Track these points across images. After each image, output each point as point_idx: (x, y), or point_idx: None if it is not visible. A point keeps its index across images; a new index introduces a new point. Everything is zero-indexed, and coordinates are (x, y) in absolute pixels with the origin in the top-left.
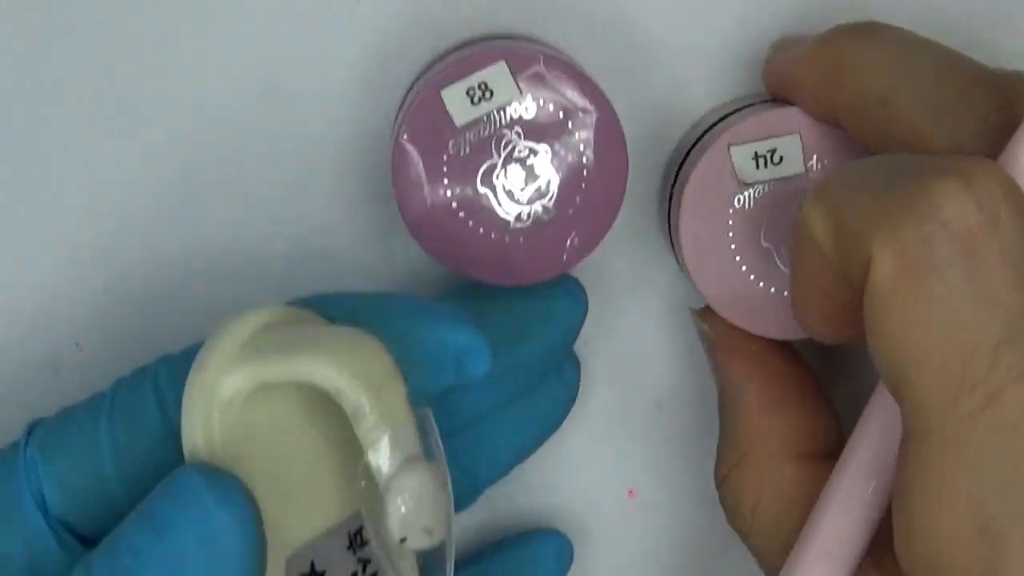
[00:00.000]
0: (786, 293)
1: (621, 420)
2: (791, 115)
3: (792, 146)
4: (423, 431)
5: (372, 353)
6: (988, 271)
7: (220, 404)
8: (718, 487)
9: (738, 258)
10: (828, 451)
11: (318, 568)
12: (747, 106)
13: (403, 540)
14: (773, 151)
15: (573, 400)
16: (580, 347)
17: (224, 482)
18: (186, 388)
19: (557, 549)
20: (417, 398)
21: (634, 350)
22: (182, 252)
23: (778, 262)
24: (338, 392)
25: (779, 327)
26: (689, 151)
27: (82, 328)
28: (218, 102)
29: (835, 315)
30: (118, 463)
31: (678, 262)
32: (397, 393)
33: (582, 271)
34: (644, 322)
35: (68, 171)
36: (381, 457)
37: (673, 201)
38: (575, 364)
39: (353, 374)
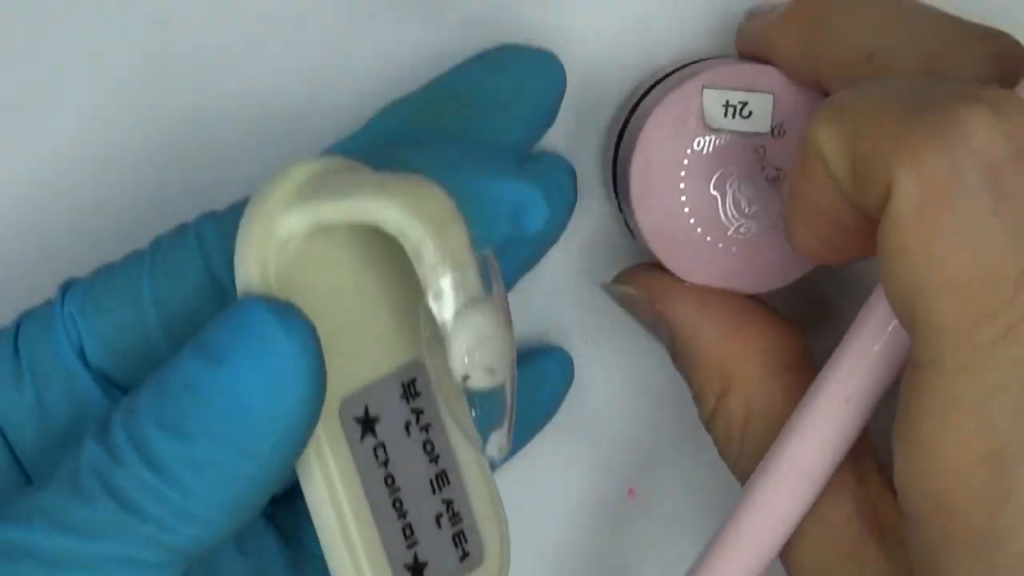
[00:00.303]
0: (720, 245)
1: (621, 420)
2: (770, 74)
3: (764, 104)
4: (485, 274)
5: (433, 194)
6: (1016, 202)
7: (277, 243)
8: (708, 429)
9: (683, 199)
10: (801, 363)
11: (372, 413)
12: (715, 58)
13: (466, 379)
14: (745, 104)
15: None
16: (580, 347)
17: (289, 312)
18: (241, 226)
19: (562, 365)
20: (477, 244)
21: (634, 349)
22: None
23: (721, 213)
24: (400, 231)
25: (711, 275)
26: (648, 90)
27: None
28: None
29: (832, 237)
30: (162, 316)
31: (618, 200)
32: (459, 234)
33: (583, 271)
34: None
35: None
36: (444, 296)
37: (626, 135)
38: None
39: (415, 214)
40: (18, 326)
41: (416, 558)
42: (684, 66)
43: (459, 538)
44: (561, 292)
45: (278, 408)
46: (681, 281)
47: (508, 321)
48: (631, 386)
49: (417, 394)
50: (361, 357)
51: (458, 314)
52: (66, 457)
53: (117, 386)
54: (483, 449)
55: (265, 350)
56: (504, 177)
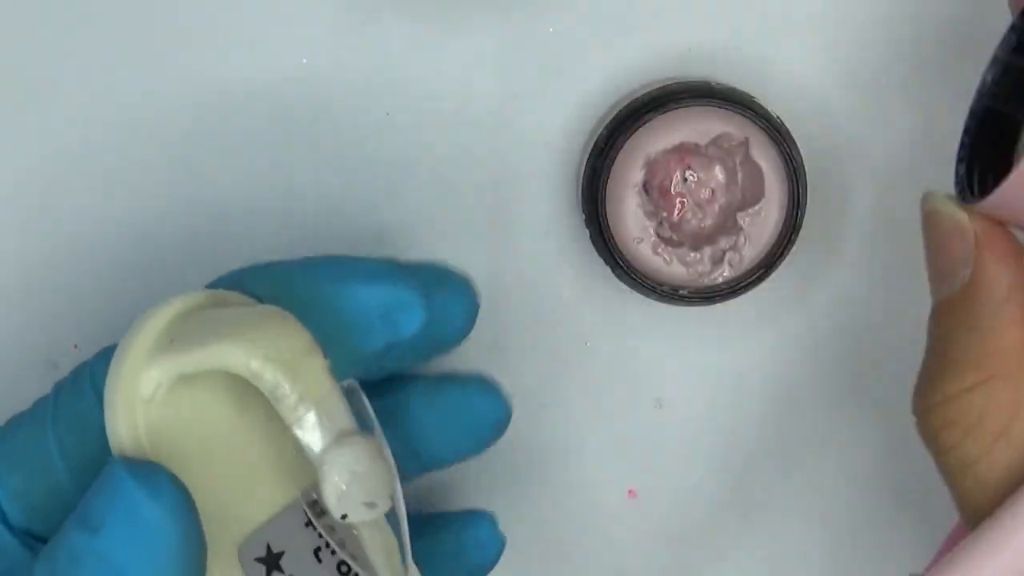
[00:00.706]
0: None
1: (621, 420)
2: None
3: None
4: (352, 403)
5: (284, 329)
6: None
7: (141, 401)
8: (928, 410)
9: None
10: None
11: (275, 549)
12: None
13: (344, 517)
14: None
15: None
16: (580, 347)
17: (151, 473)
18: (105, 389)
19: (489, 530)
20: (343, 369)
21: (634, 350)
22: (177, 250)
23: None
24: (254, 376)
25: None
26: (622, 115)
27: (79, 331)
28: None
29: None
30: (69, 466)
31: (585, 216)
32: (316, 367)
33: (584, 271)
34: (644, 322)
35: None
36: (308, 435)
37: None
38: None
39: (264, 355)
40: (53, 407)
41: None
42: (656, 89)
43: None
44: (561, 293)
45: (152, 572)
46: (1013, 240)
47: (380, 450)
48: (632, 386)
49: (324, 512)
50: (252, 497)
51: (326, 451)
52: None
53: (38, 538)
54: None
55: (131, 514)
56: (373, 280)
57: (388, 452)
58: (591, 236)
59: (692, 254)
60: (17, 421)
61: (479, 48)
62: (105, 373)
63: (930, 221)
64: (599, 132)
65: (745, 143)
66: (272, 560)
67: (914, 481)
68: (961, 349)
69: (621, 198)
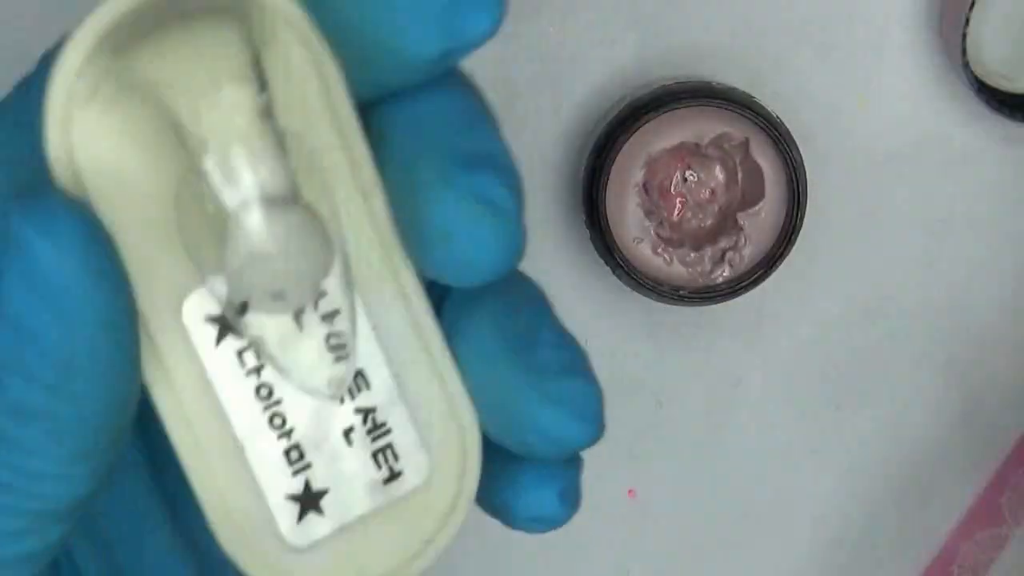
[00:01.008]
0: None
1: (621, 420)
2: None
3: None
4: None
5: (205, 48)
6: None
7: (78, 107)
8: None
9: None
10: None
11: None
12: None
13: (243, 307)
14: None
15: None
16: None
17: (44, 208)
18: (47, 87)
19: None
20: (374, 77)
21: (634, 350)
22: None
23: None
24: (156, 102)
25: None
26: (620, 116)
27: None
28: None
29: None
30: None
31: (585, 214)
32: (236, 100)
33: (584, 271)
34: (644, 322)
35: None
36: (211, 187)
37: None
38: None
39: (167, 81)
40: None
41: (308, 485)
42: (656, 89)
43: (382, 455)
44: (561, 293)
45: (55, 330)
46: None
47: (317, 231)
48: (631, 386)
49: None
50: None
51: (230, 215)
52: None
53: None
54: (316, 390)
55: (25, 263)
56: None
57: (321, 227)
58: (591, 236)
59: (692, 254)
60: None
61: (479, 48)
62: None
63: None
64: (599, 132)
65: (745, 143)
66: (227, 323)
67: (914, 481)
68: None
69: (621, 198)
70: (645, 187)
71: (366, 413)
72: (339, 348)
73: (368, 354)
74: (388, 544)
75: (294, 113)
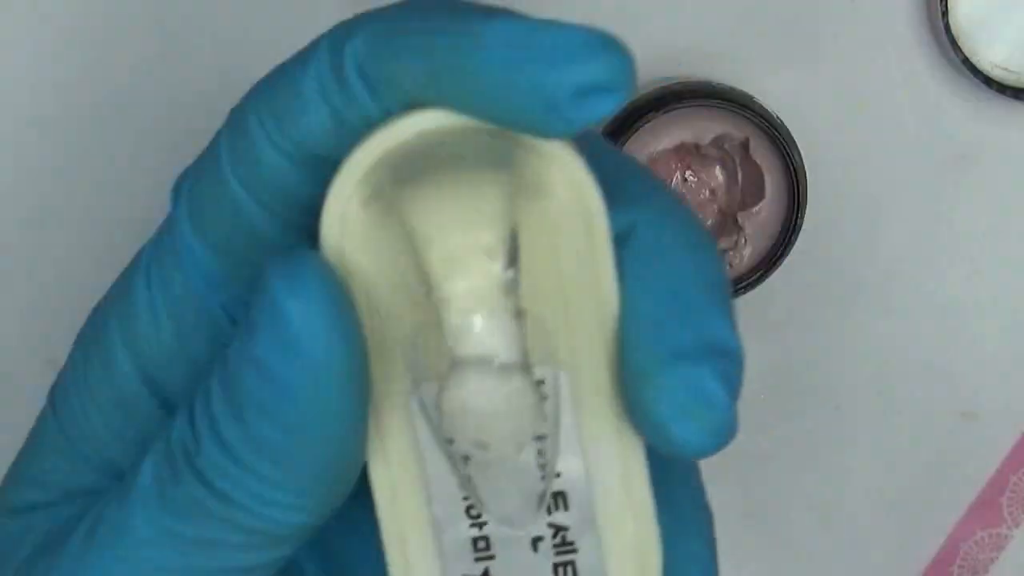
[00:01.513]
0: None
1: None
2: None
3: None
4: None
5: (465, 211)
6: None
7: (355, 204)
8: None
9: None
10: None
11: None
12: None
13: (451, 441)
14: None
15: None
16: None
17: (297, 269)
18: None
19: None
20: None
21: None
22: None
23: None
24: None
25: None
26: (620, 118)
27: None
28: None
29: None
30: (262, 214)
31: None
32: (486, 276)
33: None
34: None
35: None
36: (448, 337)
37: None
38: None
39: (424, 230)
40: (150, 257)
41: (486, 573)
42: (656, 89)
43: (563, 569)
44: None
45: (297, 378)
46: None
47: (528, 394)
48: None
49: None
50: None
51: (453, 366)
52: (168, 426)
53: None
54: (494, 516)
55: (275, 311)
56: (565, 56)
57: (535, 399)
58: None
59: None
60: (194, 176)
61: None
62: (274, 113)
63: None
64: (599, 132)
65: (745, 143)
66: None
67: (914, 481)
68: None
69: None
70: None
71: (558, 530)
72: (543, 468)
73: (575, 483)
74: None
75: (555, 259)
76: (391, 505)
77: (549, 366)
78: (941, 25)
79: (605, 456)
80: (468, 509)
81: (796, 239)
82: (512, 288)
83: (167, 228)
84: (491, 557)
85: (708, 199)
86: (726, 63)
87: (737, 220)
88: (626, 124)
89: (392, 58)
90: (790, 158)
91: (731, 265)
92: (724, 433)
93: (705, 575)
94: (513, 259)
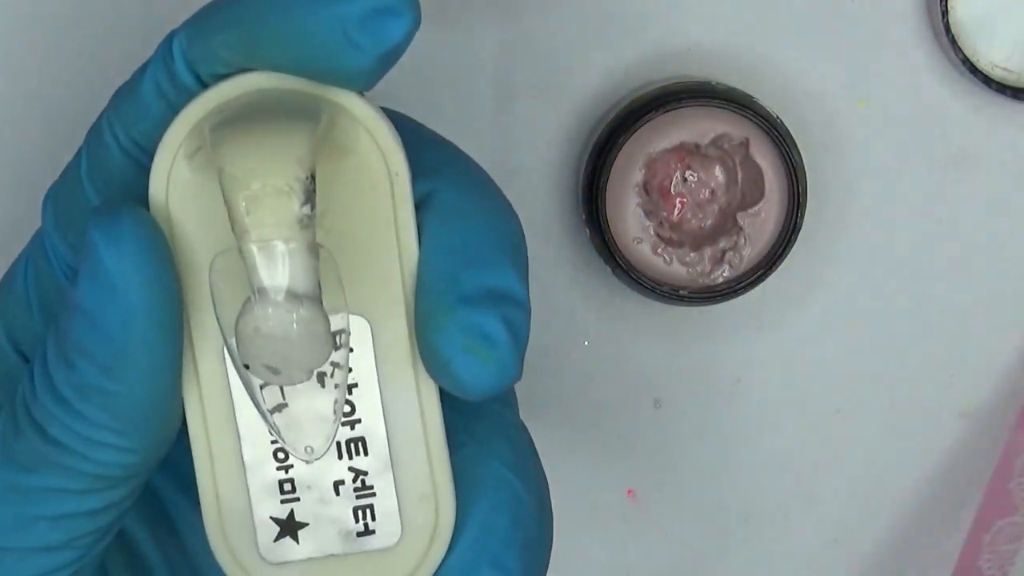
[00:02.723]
0: None
1: (621, 420)
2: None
3: None
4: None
5: (269, 152)
6: None
7: (181, 157)
8: None
9: None
10: None
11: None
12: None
13: (246, 366)
14: None
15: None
16: (580, 347)
17: (113, 217)
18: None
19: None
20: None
21: (634, 350)
22: None
23: None
24: (220, 181)
25: None
26: (620, 116)
27: None
28: None
29: None
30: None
31: (585, 216)
32: (284, 208)
33: (584, 271)
34: (644, 322)
35: None
36: (248, 268)
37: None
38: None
39: (232, 173)
40: (27, 256)
41: (291, 515)
42: (656, 89)
43: (362, 511)
44: (561, 293)
45: (113, 319)
46: None
47: (315, 326)
48: (631, 386)
49: (338, 346)
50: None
51: (251, 296)
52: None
53: None
54: (294, 449)
55: (95, 264)
56: None
57: (325, 328)
58: (591, 236)
59: (692, 254)
60: (59, 183)
61: (479, 48)
62: (121, 119)
63: None
64: (599, 132)
65: (745, 143)
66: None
67: (914, 482)
68: None
69: (621, 198)
70: (645, 187)
71: (357, 474)
72: (345, 415)
73: (373, 428)
74: None
75: (361, 216)
76: (205, 445)
77: (350, 315)
78: (941, 25)
79: (402, 404)
80: (276, 452)
81: (796, 239)
82: (308, 224)
83: (40, 230)
84: (296, 499)
85: (708, 199)
86: (726, 63)
87: (737, 220)
88: (626, 124)
89: (210, 35)
90: (790, 158)
91: (731, 265)
92: (505, 372)
93: (513, 495)
94: (310, 198)
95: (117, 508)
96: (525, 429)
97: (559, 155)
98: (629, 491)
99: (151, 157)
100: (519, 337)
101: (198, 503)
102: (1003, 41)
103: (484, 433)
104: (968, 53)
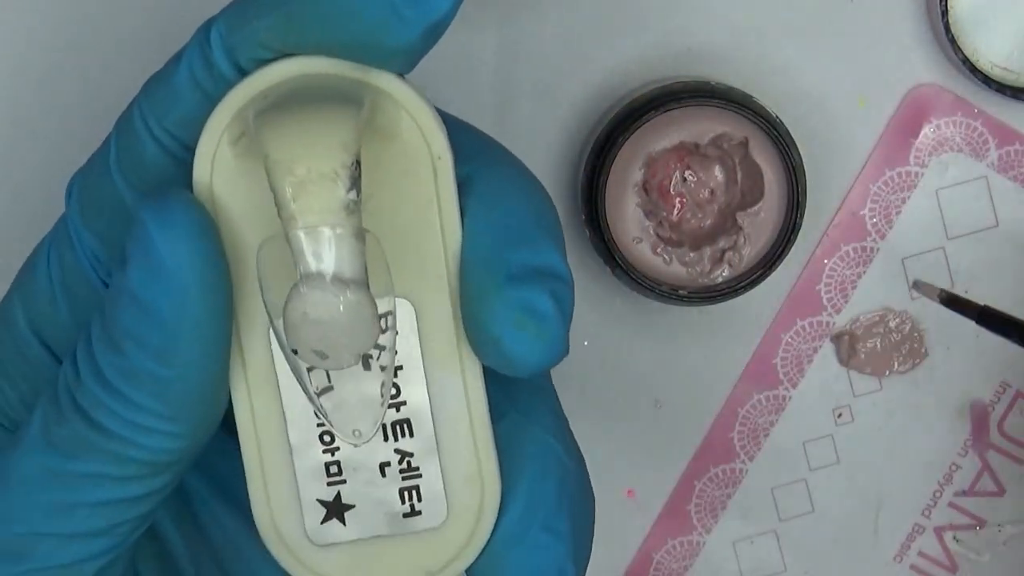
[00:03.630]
0: None
1: (621, 420)
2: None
3: None
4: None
5: (315, 138)
6: None
7: (224, 145)
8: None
9: None
10: None
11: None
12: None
13: (295, 352)
14: None
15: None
16: (580, 347)
17: (164, 202)
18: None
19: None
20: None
21: (634, 350)
22: None
23: None
24: (266, 168)
25: None
26: (621, 116)
27: None
28: None
29: None
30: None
31: (585, 217)
32: (330, 194)
33: (583, 271)
34: (644, 322)
35: None
36: (295, 253)
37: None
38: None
39: (278, 159)
40: (49, 244)
41: (338, 497)
42: (656, 89)
43: (409, 493)
44: None
45: (164, 303)
46: None
47: (363, 311)
48: (631, 386)
49: (384, 329)
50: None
51: (298, 281)
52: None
53: None
54: (341, 432)
55: (147, 248)
56: None
57: (372, 312)
58: (590, 236)
59: (692, 254)
60: (85, 172)
61: (479, 48)
62: (153, 109)
63: None
64: (599, 132)
65: (744, 143)
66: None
67: (914, 482)
68: None
69: (621, 198)
70: (644, 187)
71: (403, 455)
72: (391, 397)
73: (418, 410)
74: (393, 565)
75: (405, 199)
76: (251, 429)
77: (396, 298)
78: (941, 25)
79: (447, 386)
80: (322, 436)
81: (796, 239)
82: (354, 209)
83: (63, 218)
84: (343, 481)
85: (708, 199)
86: (726, 63)
87: (736, 220)
88: (626, 124)
89: (252, 19)
90: (790, 158)
91: (731, 265)
92: (555, 346)
93: (558, 461)
94: (355, 183)
95: (156, 496)
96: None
97: (559, 155)
98: (629, 491)
99: (184, 147)
100: (566, 311)
101: (226, 499)
102: (1003, 41)
103: (527, 401)
104: (968, 53)
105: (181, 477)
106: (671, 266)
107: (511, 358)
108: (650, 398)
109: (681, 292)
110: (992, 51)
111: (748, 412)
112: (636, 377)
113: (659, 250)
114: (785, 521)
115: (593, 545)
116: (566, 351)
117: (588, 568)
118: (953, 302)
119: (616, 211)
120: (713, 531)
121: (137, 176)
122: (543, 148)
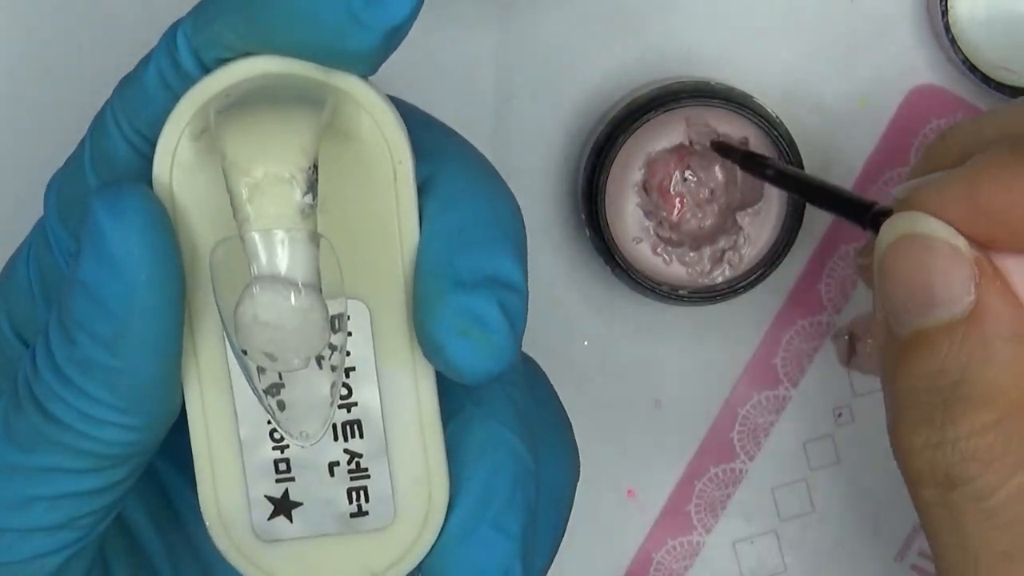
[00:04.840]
0: None
1: (621, 420)
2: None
3: None
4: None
5: (272, 140)
6: None
7: (184, 141)
8: (936, 445)
9: None
10: None
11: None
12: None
13: (245, 352)
14: None
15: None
16: (580, 347)
17: (117, 192)
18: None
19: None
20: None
21: (633, 350)
22: None
23: None
24: (223, 168)
25: None
26: (620, 117)
27: None
28: None
29: None
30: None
31: (585, 217)
32: (286, 197)
33: (583, 271)
34: (643, 322)
35: None
36: (248, 255)
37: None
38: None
39: (234, 161)
40: (29, 244)
41: (286, 494)
42: (656, 89)
43: (356, 493)
44: (561, 293)
45: (115, 294)
46: None
47: (313, 315)
48: (631, 387)
49: (336, 330)
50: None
51: (250, 282)
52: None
53: None
54: (289, 432)
55: (99, 238)
56: None
57: (323, 316)
58: (590, 236)
59: (692, 254)
60: (62, 172)
61: (479, 48)
62: (124, 109)
63: (918, 245)
64: (599, 132)
65: (745, 143)
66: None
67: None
68: (977, 383)
69: (621, 198)
70: (644, 187)
71: (353, 456)
72: (342, 398)
73: (369, 411)
74: (338, 565)
75: (363, 201)
76: (202, 424)
77: (350, 300)
78: (941, 25)
79: (399, 388)
80: (272, 432)
81: (796, 239)
82: (309, 213)
83: (42, 219)
84: (291, 479)
85: (708, 199)
86: (726, 63)
87: (737, 220)
88: (626, 124)
89: (213, 20)
90: (790, 158)
91: (731, 265)
92: (501, 356)
93: (514, 457)
94: (312, 187)
95: (117, 489)
96: (557, 398)
97: (559, 155)
98: (629, 491)
99: (154, 147)
100: (515, 321)
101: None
102: (1003, 41)
103: (486, 396)
104: (968, 53)
105: (142, 469)
106: (671, 266)
107: (455, 366)
108: (650, 398)
109: (681, 292)
110: (992, 51)
111: (748, 412)
112: (636, 377)
113: (659, 250)
114: (785, 521)
115: (593, 545)
116: (513, 361)
117: (588, 568)
118: (720, 148)
119: (616, 211)
120: (713, 531)
121: (110, 175)
122: (543, 148)
